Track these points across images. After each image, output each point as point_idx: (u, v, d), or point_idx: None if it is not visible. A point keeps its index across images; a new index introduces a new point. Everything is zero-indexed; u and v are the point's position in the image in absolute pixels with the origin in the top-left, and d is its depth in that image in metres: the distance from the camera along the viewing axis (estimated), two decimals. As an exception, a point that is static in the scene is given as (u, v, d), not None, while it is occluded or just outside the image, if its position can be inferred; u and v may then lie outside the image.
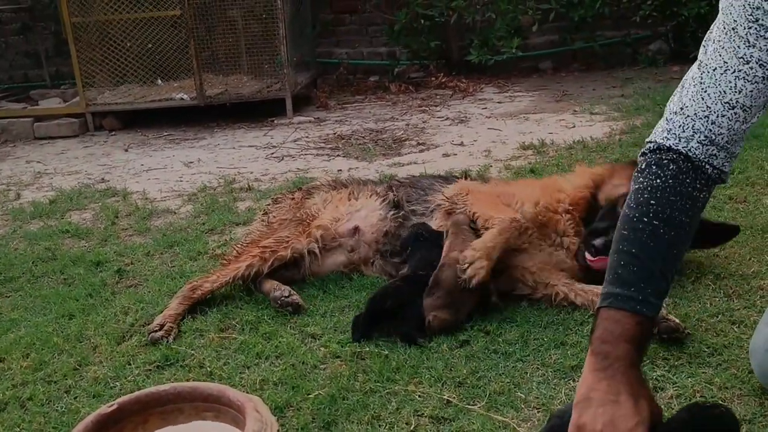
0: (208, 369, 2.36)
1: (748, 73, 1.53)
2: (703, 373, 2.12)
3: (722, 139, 1.59)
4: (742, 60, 1.53)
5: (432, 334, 2.44)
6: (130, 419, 1.80)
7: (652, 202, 1.59)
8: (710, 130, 1.59)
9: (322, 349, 2.43)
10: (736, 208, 3.27)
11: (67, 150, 6.13)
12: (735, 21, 1.53)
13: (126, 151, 5.94)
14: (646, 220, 1.59)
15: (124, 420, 1.79)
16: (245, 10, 6.60)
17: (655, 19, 7.32)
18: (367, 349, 2.39)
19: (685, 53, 6.89)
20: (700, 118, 1.59)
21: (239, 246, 3.02)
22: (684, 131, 1.60)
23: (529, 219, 2.69)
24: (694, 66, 1.63)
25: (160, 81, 6.78)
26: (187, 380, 2.27)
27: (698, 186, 1.61)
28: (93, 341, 2.62)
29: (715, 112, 1.58)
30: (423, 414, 2.04)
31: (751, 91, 1.55)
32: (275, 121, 6.51)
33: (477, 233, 2.71)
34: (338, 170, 4.75)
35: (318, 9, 8.13)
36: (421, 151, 5.12)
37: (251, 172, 4.90)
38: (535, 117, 5.84)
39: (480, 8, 7.31)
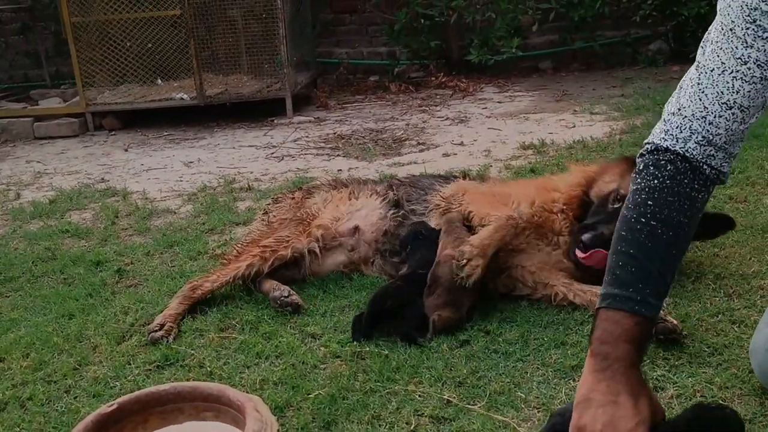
0: (208, 369, 2.36)
1: (745, 73, 1.53)
2: (703, 372, 2.12)
3: (720, 139, 1.59)
4: (739, 61, 1.53)
5: (437, 334, 2.44)
6: (130, 419, 1.80)
7: (649, 202, 1.59)
8: (708, 131, 1.59)
9: (322, 348, 2.43)
10: (736, 208, 3.27)
11: (67, 150, 6.13)
12: (733, 22, 1.53)
13: (126, 150, 5.94)
14: (643, 220, 1.59)
15: (124, 420, 1.79)
16: (245, 10, 6.60)
17: (655, 19, 7.32)
18: (367, 349, 2.39)
19: (685, 53, 6.89)
20: (698, 119, 1.59)
21: (239, 245, 3.02)
22: (681, 132, 1.60)
23: (525, 219, 2.69)
24: (692, 67, 1.63)
25: (160, 81, 6.78)
26: (187, 380, 2.27)
27: (696, 186, 1.61)
28: (93, 341, 2.62)
29: (712, 113, 1.58)
30: (423, 414, 2.04)
31: (749, 92, 1.55)
32: (275, 121, 6.51)
33: (472, 232, 2.70)
34: (338, 170, 4.75)
35: (318, 9, 8.13)
36: (421, 150, 5.12)
37: (251, 172, 4.90)
38: (535, 117, 5.84)
39: (480, 8, 7.31)
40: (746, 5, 1.50)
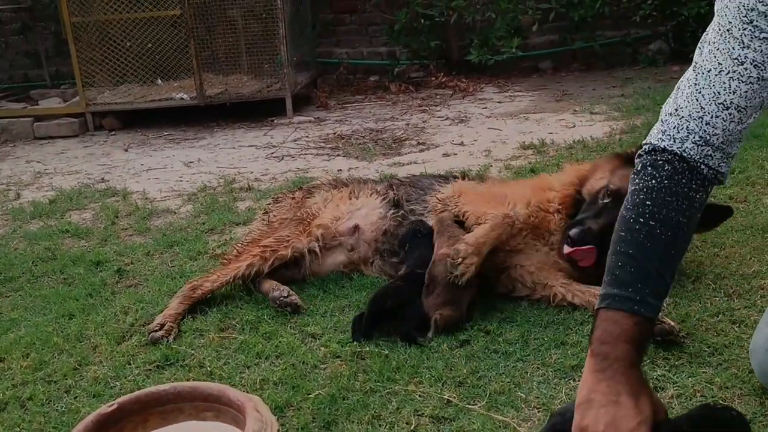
0: (208, 369, 2.36)
1: (742, 74, 1.54)
2: (703, 372, 2.12)
3: (717, 139, 1.60)
4: (736, 61, 1.53)
5: (439, 333, 2.43)
6: (130, 419, 1.80)
7: (647, 203, 1.60)
8: (705, 131, 1.59)
9: (322, 348, 2.43)
10: (736, 208, 3.26)
11: (67, 150, 6.14)
12: (730, 23, 1.53)
13: (126, 150, 5.94)
14: (642, 221, 1.59)
15: (124, 420, 1.79)
16: (245, 10, 6.60)
17: (655, 19, 7.32)
18: (367, 349, 2.39)
19: (685, 53, 6.88)
20: (695, 119, 1.59)
21: (240, 245, 3.02)
22: (678, 132, 1.61)
23: (522, 220, 2.68)
24: (690, 68, 1.64)
25: (160, 81, 6.78)
26: (187, 380, 2.27)
27: (694, 186, 1.61)
28: (93, 341, 2.62)
29: (709, 113, 1.58)
30: (423, 414, 2.04)
31: (746, 92, 1.55)
32: (275, 121, 6.51)
33: (468, 231, 2.70)
34: (338, 170, 4.75)
35: (318, 9, 8.13)
36: (421, 150, 5.12)
37: (251, 172, 4.90)
38: (535, 117, 5.84)
39: (480, 8, 7.31)
40: (743, 6, 1.50)
